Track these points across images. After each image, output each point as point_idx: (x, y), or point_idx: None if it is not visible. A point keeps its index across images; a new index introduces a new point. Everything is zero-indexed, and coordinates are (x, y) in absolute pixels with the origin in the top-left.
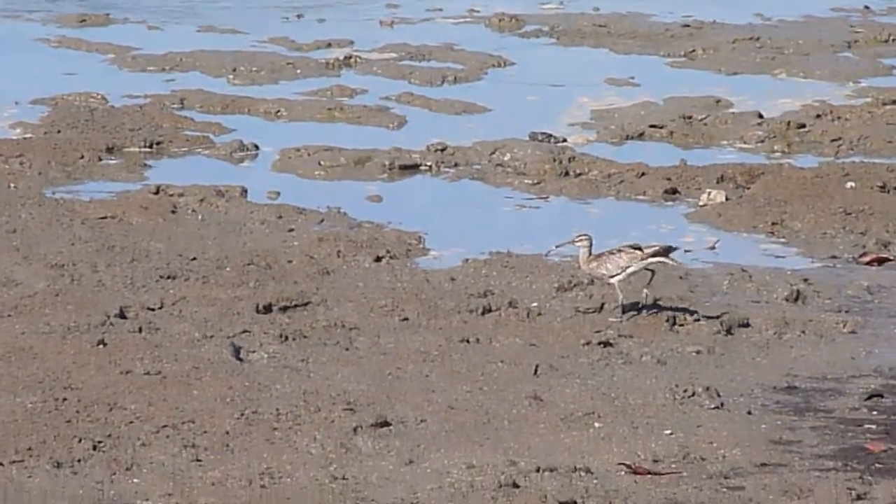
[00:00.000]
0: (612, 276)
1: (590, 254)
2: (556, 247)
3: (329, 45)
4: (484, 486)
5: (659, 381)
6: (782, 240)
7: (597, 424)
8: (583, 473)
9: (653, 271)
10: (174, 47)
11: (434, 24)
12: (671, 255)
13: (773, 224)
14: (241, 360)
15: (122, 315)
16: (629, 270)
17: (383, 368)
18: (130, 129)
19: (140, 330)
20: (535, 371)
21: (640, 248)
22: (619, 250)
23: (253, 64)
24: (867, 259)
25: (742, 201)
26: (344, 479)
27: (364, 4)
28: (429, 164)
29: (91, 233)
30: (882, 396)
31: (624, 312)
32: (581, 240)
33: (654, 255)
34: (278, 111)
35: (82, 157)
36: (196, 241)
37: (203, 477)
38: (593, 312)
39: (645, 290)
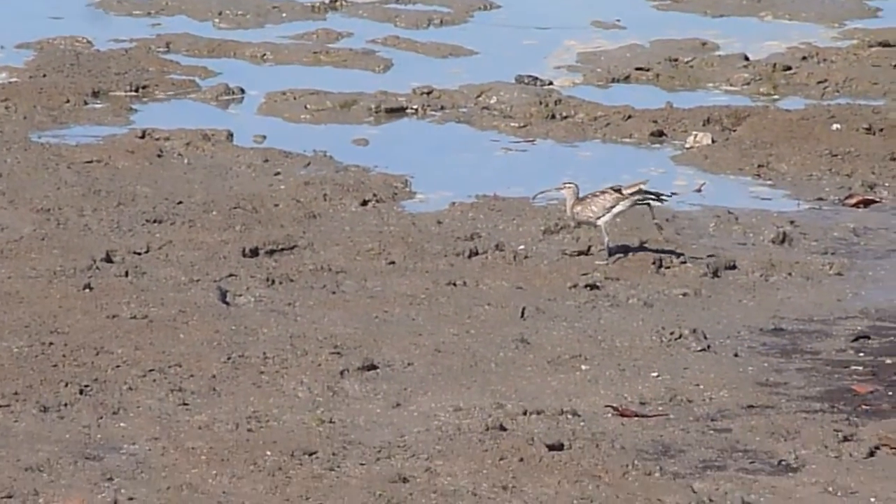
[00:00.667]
0: (598, 218)
1: (571, 204)
2: (541, 192)
3: None
4: (471, 428)
5: (646, 324)
6: (769, 182)
7: (584, 367)
8: (570, 416)
9: (649, 204)
10: None
11: None
12: (650, 192)
13: (759, 166)
14: (227, 303)
15: (108, 259)
16: (614, 210)
17: (370, 312)
18: (116, 73)
19: (126, 274)
20: (522, 314)
21: (619, 190)
22: (603, 192)
23: (238, 7)
24: (853, 201)
25: (728, 144)
26: (331, 422)
27: None
28: (415, 107)
29: (77, 177)
30: (868, 338)
31: (610, 255)
32: (566, 187)
33: (635, 193)
34: (264, 55)
35: (68, 101)
36: (182, 185)
37: (190, 420)
38: (580, 255)
39: (655, 222)
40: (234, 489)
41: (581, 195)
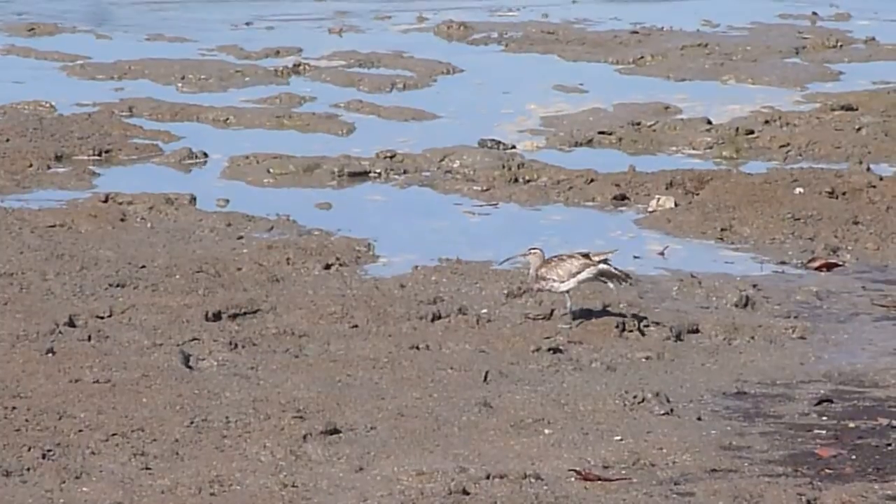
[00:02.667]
0: (562, 283)
1: (535, 269)
2: (507, 259)
3: (278, 53)
4: (434, 492)
5: (609, 387)
6: (732, 245)
7: (547, 431)
8: (533, 480)
9: (612, 277)
10: (123, 56)
11: (383, 32)
12: (616, 271)
13: (722, 230)
14: (190, 367)
15: (71, 323)
16: (579, 277)
17: (333, 375)
18: (79, 138)
19: (89, 338)
20: (485, 377)
21: (588, 256)
22: (570, 256)
23: (202, 72)
24: (816, 264)
25: (691, 207)
26: (294, 486)
27: (313, 12)
28: (378, 171)
29: (40, 241)
30: (831, 402)
31: (574, 319)
32: (532, 253)
33: (602, 262)
34: (227, 119)
35: (31, 165)
36: (145, 249)
37: (153, 485)
38: (543, 319)
39: (611, 285)
40: None
41: (547, 258)
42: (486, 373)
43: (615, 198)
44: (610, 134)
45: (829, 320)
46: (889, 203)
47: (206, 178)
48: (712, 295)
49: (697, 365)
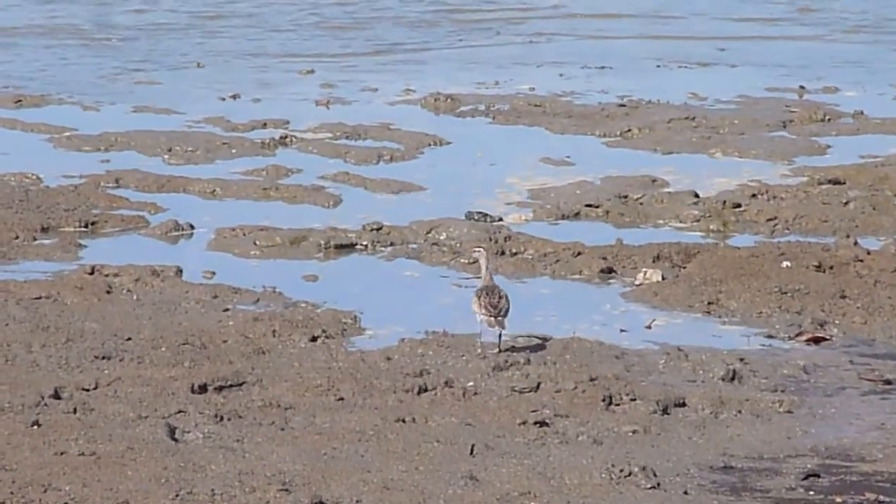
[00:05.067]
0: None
1: (487, 267)
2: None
3: (265, 125)
4: None
5: (595, 461)
6: (718, 319)
7: None
8: None
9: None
10: (109, 127)
11: (369, 105)
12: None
13: (709, 303)
14: (176, 440)
15: (56, 395)
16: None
17: (319, 448)
18: (65, 209)
19: (75, 410)
20: (472, 450)
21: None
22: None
23: (188, 143)
24: (803, 338)
25: (678, 280)
26: None
27: (299, 85)
28: (364, 243)
29: (25, 313)
30: (818, 476)
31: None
32: (478, 251)
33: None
34: (214, 190)
35: (17, 237)
36: (131, 321)
37: None
38: (529, 392)
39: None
40: None
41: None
42: (473, 446)
43: (602, 271)
44: (597, 207)
45: (817, 394)
46: (876, 277)
47: (192, 249)
48: (699, 368)
49: (684, 439)
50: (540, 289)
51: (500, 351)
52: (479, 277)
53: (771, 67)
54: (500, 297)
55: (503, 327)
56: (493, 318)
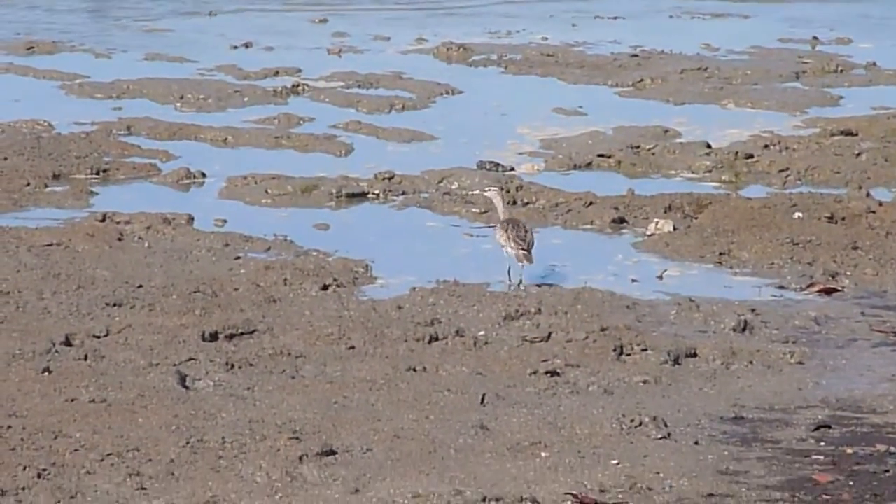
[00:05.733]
0: (500, 245)
1: (503, 204)
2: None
3: (277, 74)
4: None
5: (606, 411)
6: (730, 270)
7: (543, 454)
8: (529, 503)
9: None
10: (122, 75)
11: (382, 54)
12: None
13: (720, 254)
14: (186, 388)
15: (67, 342)
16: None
17: (329, 397)
18: (77, 157)
19: (85, 357)
20: (482, 400)
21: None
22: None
23: (200, 91)
24: (815, 289)
25: (690, 231)
26: None
27: (312, 33)
28: (376, 192)
29: (37, 260)
30: (829, 427)
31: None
32: (491, 189)
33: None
34: (225, 139)
35: (28, 184)
36: (142, 269)
37: None
38: (540, 341)
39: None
40: None
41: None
42: (483, 395)
43: (614, 221)
44: (609, 157)
45: (828, 346)
46: (888, 228)
47: (203, 198)
48: (710, 319)
49: (695, 389)
50: (551, 239)
51: (521, 284)
52: (491, 227)
53: (784, 19)
54: (527, 231)
55: (531, 261)
56: (521, 252)
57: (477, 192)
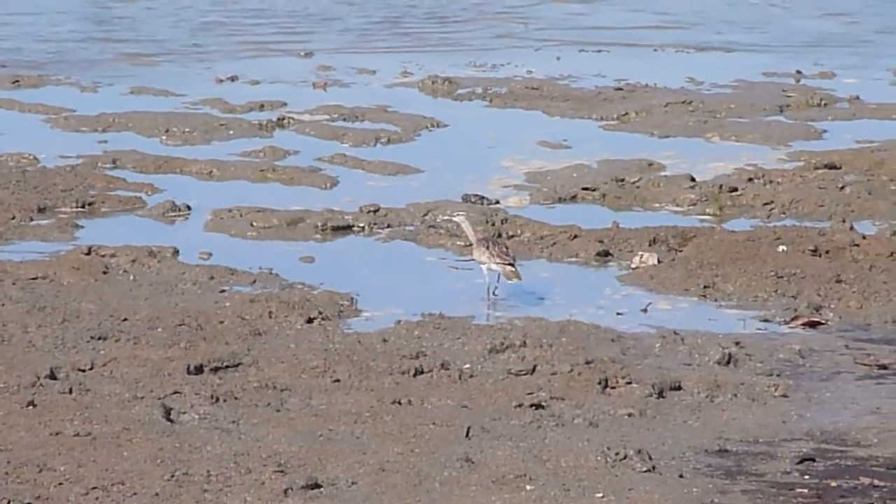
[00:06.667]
0: (482, 264)
1: (472, 228)
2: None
3: (262, 107)
4: None
5: (591, 444)
6: (714, 302)
7: (528, 487)
8: None
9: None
10: (107, 108)
11: (367, 87)
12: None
13: (705, 287)
14: (171, 421)
15: (52, 376)
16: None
17: (315, 429)
18: (62, 190)
19: (70, 391)
20: (467, 433)
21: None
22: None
23: (186, 124)
24: (799, 322)
25: (674, 264)
26: None
27: (298, 67)
28: (361, 225)
29: (22, 293)
30: (814, 460)
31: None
32: (459, 214)
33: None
34: (211, 172)
35: (13, 217)
36: (127, 302)
37: None
38: (525, 374)
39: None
40: None
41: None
42: (468, 428)
43: (598, 254)
44: (594, 190)
45: (812, 378)
46: (872, 262)
47: (189, 230)
48: (695, 352)
49: (680, 422)
50: (537, 272)
51: (495, 291)
52: (469, 245)
53: (768, 52)
54: (507, 246)
55: (520, 277)
56: (509, 269)
57: (446, 217)
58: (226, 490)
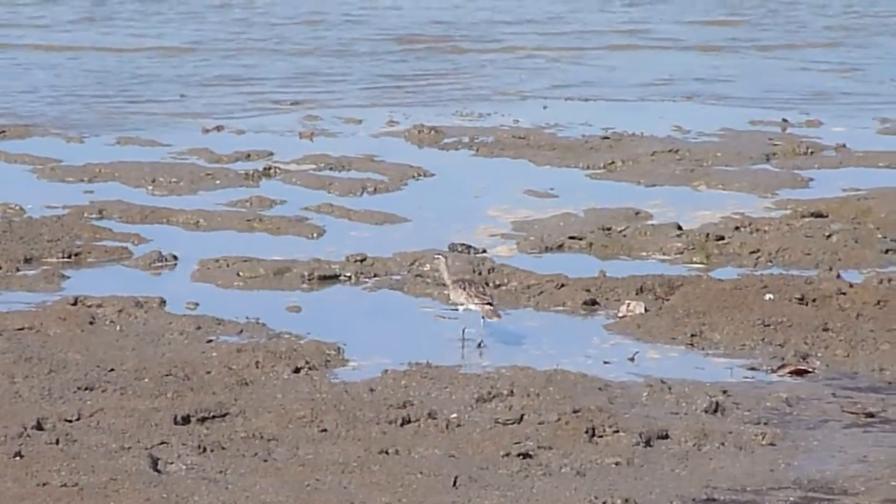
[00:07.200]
0: (459, 305)
1: (448, 271)
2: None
3: (248, 157)
4: None
5: (578, 493)
6: (702, 351)
7: None
8: None
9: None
10: (94, 158)
11: (354, 137)
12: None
13: (692, 335)
14: (159, 471)
15: (39, 426)
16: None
17: (302, 479)
18: (48, 240)
19: (57, 441)
20: (455, 482)
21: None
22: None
23: (172, 175)
24: (786, 370)
25: (661, 312)
26: None
27: (284, 117)
28: (348, 274)
29: (8, 344)
30: None
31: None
32: (437, 258)
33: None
34: (197, 222)
35: (0, 267)
36: (114, 352)
37: None
38: (513, 423)
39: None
40: None
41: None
42: (456, 478)
43: (585, 303)
44: (580, 239)
45: (799, 427)
46: (859, 310)
47: (175, 280)
48: (682, 401)
49: (667, 471)
50: (523, 320)
51: (481, 343)
52: (452, 302)
53: (754, 101)
54: (484, 286)
55: (499, 316)
56: (488, 308)
57: (432, 262)
58: None
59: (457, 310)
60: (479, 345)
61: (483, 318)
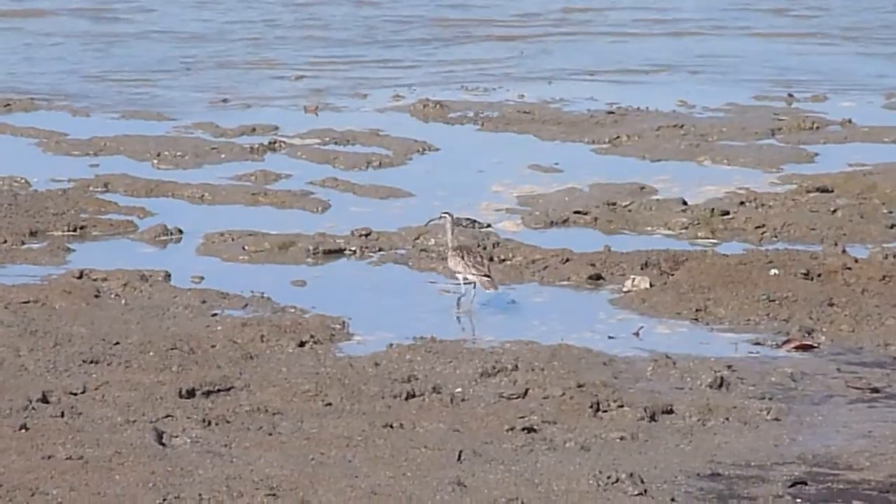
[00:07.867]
0: (457, 273)
1: (452, 231)
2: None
3: (254, 130)
4: None
5: (583, 467)
6: (706, 326)
7: None
8: None
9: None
10: (99, 132)
11: (359, 111)
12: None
13: (697, 310)
14: (163, 444)
15: (44, 399)
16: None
17: (306, 453)
18: (54, 214)
19: (62, 414)
20: (459, 457)
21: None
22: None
23: (177, 148)
24: (791, 346)
25: (666, 287)
26: None
27: (289, 91)
28: (353, 248)
29: (13, 317)
30: (805, 484)
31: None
32: (443, 216)
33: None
34: (202, 195)
35: (5, 241)
36: (119, 326)
37: None
38: (517, 398)
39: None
40: None
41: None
42: (460, 452)
43: (590, 278)
44: (585, 214)
45: (804, 402)
46: (864, 285)
47: (180, 254)
48: (687, 376)
49: (671, 446)
50: (528, 295)
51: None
52: (468, 283)
53: (760, 75)
54: (482, 256)
55: (496, 287)
56: (485, 279)
57: (433, 221)
58: None
59: (456, 278)
60: (461, 314)
61: (475, 286)
